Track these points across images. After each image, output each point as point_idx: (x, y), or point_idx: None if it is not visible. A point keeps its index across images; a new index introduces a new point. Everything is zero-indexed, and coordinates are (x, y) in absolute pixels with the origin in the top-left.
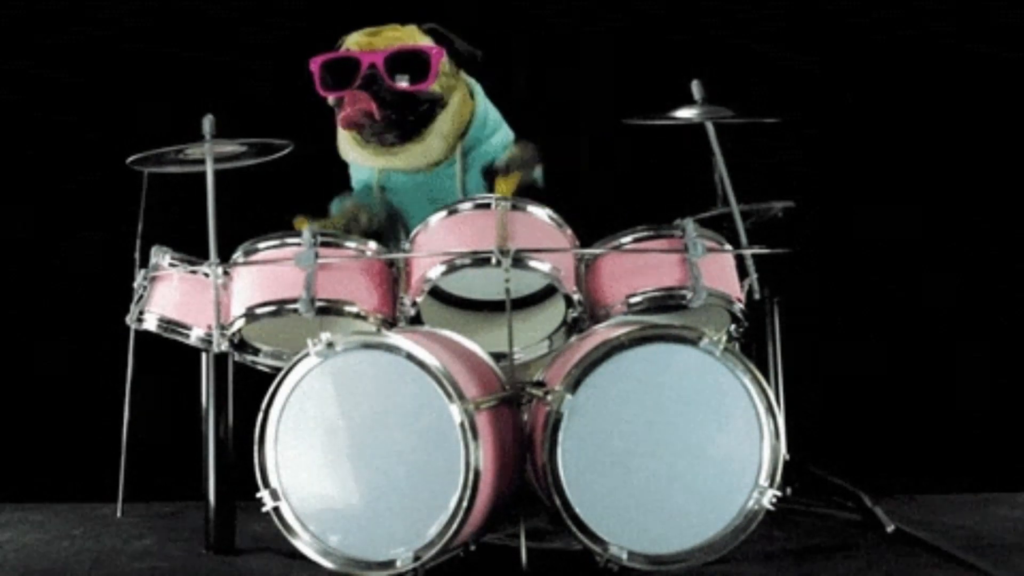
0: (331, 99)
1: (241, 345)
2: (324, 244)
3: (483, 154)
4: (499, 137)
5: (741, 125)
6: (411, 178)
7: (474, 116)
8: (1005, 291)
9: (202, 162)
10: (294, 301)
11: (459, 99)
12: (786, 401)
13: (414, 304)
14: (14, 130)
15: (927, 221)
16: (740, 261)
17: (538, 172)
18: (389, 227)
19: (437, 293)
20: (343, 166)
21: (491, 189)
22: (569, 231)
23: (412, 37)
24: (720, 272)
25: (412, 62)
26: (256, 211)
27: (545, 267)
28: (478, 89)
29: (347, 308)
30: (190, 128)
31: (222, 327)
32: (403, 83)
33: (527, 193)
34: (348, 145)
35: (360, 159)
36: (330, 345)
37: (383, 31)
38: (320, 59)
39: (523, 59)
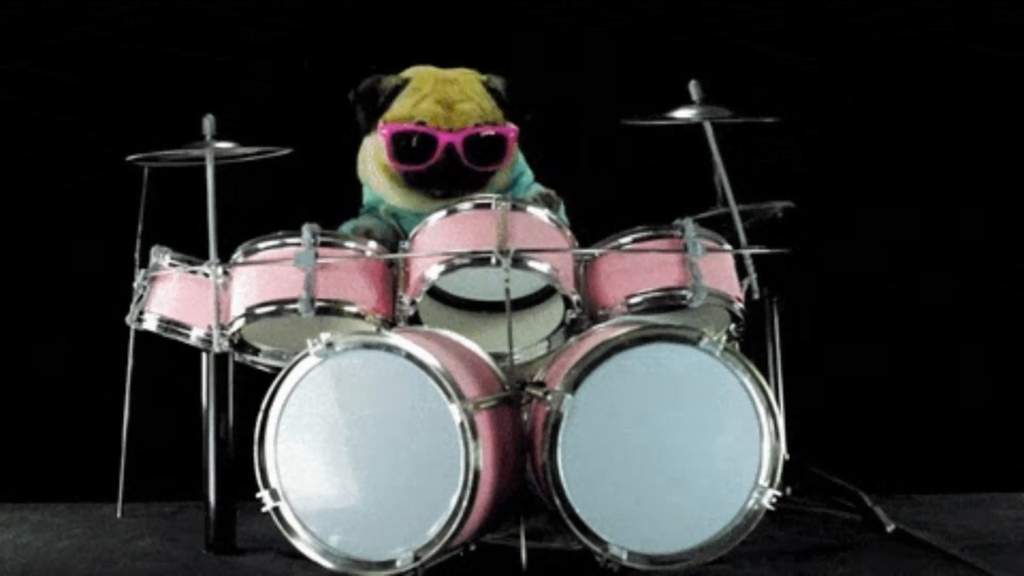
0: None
1: (241, 345)
2: (324, 244)
3: (516, 193)
4: (527, 177)
5: (741, 125)
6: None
7: (515, 159)
8: (1005, 291)
9: (202, 160)
10: (294, 301)
11: (515, 154)
12: (786, 401)
13: (413, 304)
14: (14, 130)
15: (927, 221)
16: (740, 261)
17: (561, 213)
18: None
19: (436, 293)
20: (343, 166)
21: None
22: (568, 232)
23: (480, 99)
24: (720, 272)
25: (491, 144)
26: (256, 211)
27: (544, 268)
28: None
29: (347, 308)
30: (190, 128)
31: (222, 327)
32: (479, 166)
33: None
34: (382, 178)
35: (396, 198)
36: (330, 345)
37: (455, 87)
38: (394, 129)
39: (523, 59)
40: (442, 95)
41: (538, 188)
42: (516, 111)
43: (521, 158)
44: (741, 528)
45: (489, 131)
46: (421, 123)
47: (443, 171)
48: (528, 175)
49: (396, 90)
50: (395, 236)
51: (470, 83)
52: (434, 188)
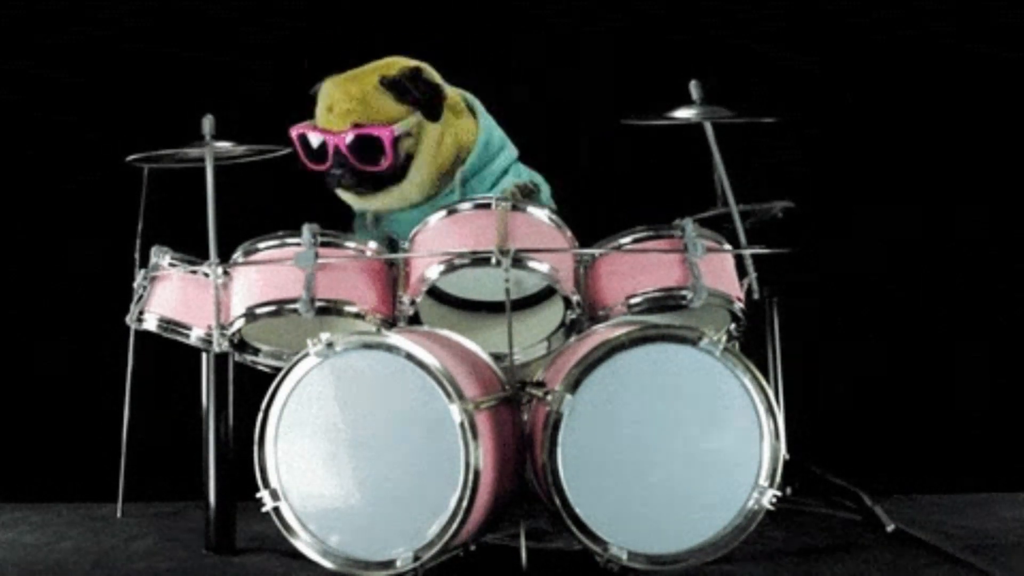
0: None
1: (241, 345)
2: (324, 244)
3: (485, 180)
4: (502, 160)
5: (741, 125)
6: (407, 212)
7: (475, 143)
8: (1005, 291)
9: (201, 160)
10: (294, 301)
11: (433, 139)
12: (786, 401)
13: (412, 304)
14: (14, 130)
15: (927, 221)
16: (740, 261)
17: (545, 197)
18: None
19: (436, 293)
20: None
21: None
22: (568, 232)
23: (365, 98)
24: (720, 272)
25: (369, 145)
26: (256, 211)
27: (544, 268)
28: (480, 109)
29: (347, 308)
30: (190, 128)
31: (222, 327)
32: (367, 165)
33: None
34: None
35: (348, 199)
36: (330, 345)
37: (341, 89)
38: (296, 130)
39: (523, 59)
40: (329, 99)
41: (512, 180)
42: (422, 97)
43: (500, 133)
44: (741, 528)
45: (362, 132)
46: (314, 126)
47: (344, 170)
48: (507, 154)
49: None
50: (390, 245)
51: (361, 82)
52: (343, 186)
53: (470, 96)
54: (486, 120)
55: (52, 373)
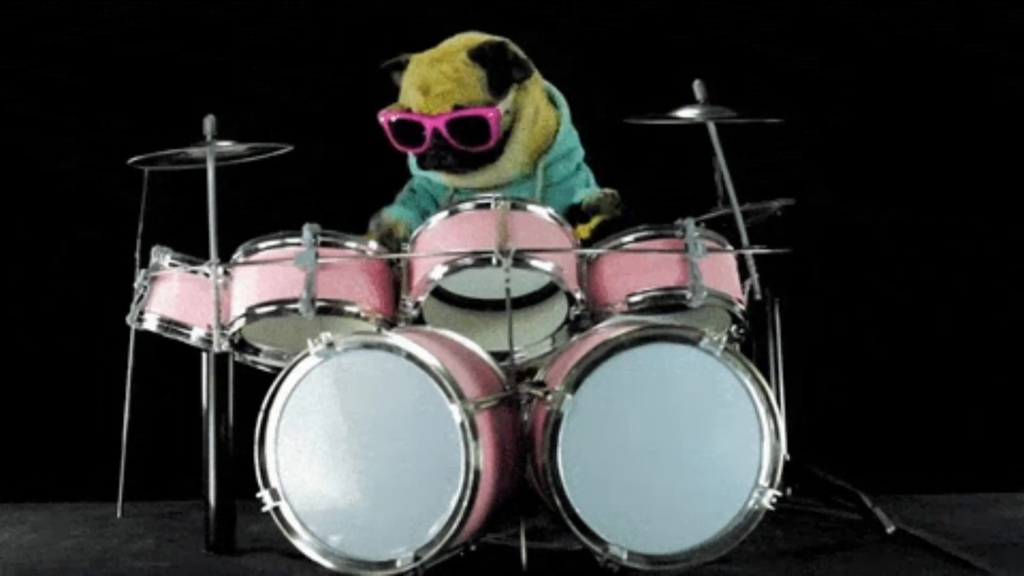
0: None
1: (241, 345)
2: (324, 244)
3: (562, 169)
4: (577, 154)
5: (741, 125)
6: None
7: (559, 128)
8: (1005, 291)
9: (202, 161)
10: (294, 301)
11: (529, 116)
12: (786, 401)
13: (416, 305)
14: (14, 130)
15: (927, 221)
16: (742, 261)
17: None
18: None
19: (440, 293)
20: (344, 166)
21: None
22: (570, 229)
23: (461, 77)
24: (721, 272)
25: (472, 125)
26: (256, 211)
27: (547, 266)
28: (560, 98)
29: (347, 308)
30: (190, 128)
31: (222, 327)
32: (469, 146)
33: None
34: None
35: (443, 178)
36: (330, 345)
37: (435, 69)
38: (387, 116)
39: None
40: (422, 80)
41: (585, 178)
42: (510, 71)
43: (574, 137)
44: (741, 528)
45: (466, 113)
46: (408, 110)
47: (442, 152)
48: (579, 149)
49: (402, 69)
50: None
51: (452, 60)
52: (444, 168)
53: (550, 85)
54: (566, 110)
55: (52, 373)
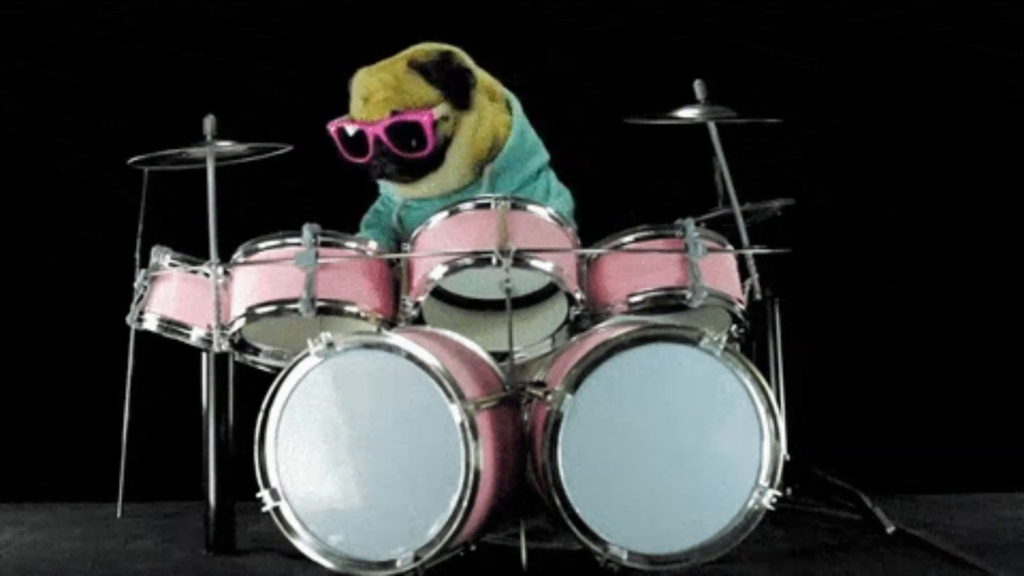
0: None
1: (241, 345)
2: (324, 244)
3: (514, 178)
4: (535, 162)
5: (741, 125)
6: (432, 204)
7: (509, 138)
8: (1005, 291)
9: (202, 161)
10: (294, 301)
11: (470, 123)
12: (786, 401)
13: (416, 305)
14: (14, 130)
15: (927, 221)
16: (742, 261)
17: (568, 212)
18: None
19: (440, 293)
20: (344, 166)
21: None
22: (570, 229)
23: (399, 85)
24: (721, 272)
25: (409, 131)
26: (256, 211)
27: (547, 266)
28: (516, 105)
29: (347, 308)
30: (190, 128)
31: (222, 327)
32: (408, 152)
33: None
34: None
35: (392, 190)
36: (330, 345)
37: (375, 78)
38: (334, 125)
39: (523, 59)
40: (364, 89)
41: (544, 185)
42: (451, 80)
43: (533, 134)
44: (741, 528)
45: (400, 119)
46: (351, 119)
47: (384, 160)
48: (540, 156)
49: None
50: (398, 243)
51: (393, 68)
52: (387, 177)
53: (508, 92)
54: (521, 118)
55: (52, 373)
